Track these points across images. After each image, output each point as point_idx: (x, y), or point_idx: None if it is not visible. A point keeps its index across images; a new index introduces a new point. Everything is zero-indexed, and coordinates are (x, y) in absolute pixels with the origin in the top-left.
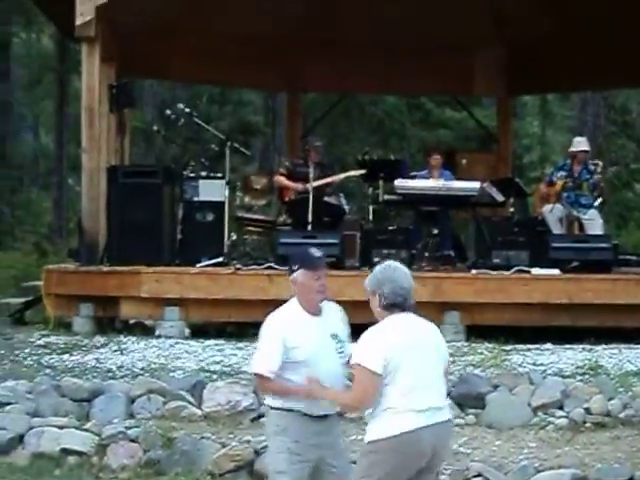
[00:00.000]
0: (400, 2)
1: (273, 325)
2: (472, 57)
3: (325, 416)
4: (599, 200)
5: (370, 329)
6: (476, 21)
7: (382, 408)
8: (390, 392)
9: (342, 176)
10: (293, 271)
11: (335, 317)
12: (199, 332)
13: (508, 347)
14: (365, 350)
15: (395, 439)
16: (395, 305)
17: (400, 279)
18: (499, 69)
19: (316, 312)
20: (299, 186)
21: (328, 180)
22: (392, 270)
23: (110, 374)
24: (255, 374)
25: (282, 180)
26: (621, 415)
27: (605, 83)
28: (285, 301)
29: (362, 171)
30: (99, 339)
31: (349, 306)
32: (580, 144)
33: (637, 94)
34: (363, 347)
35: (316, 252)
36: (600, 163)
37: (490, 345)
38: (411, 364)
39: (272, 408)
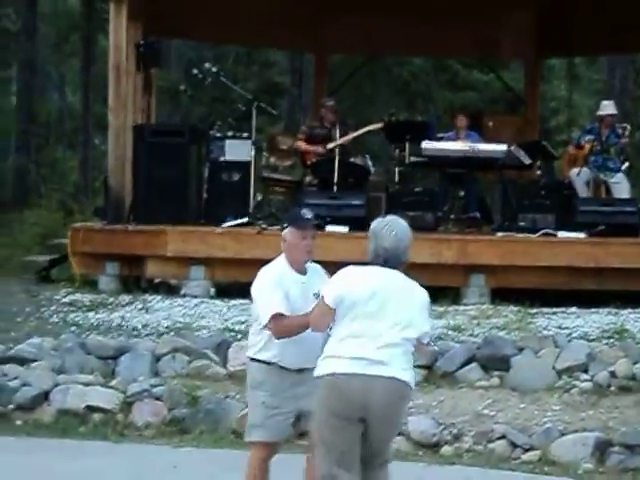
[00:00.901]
0: None
1: (268, 276)
2: (501, 19)
3: (302, 369)
4: (626, 164)
5: (347, 267)
6: None
7: (327, 348)
8: (335, 332)
9: (360, 132)
10: (284, 228)
11: (318, 278)
12: (224, 292)
13: (533, 310)
14: (330, 283)
15: (327, 378)
16: (375, 263)
17: (386, 239)
18: (527, 32)
19: (301, 270)
20: (319, 148)
21: (347, 138)
22: (382, 227)
23: (135, 332)
24: (270, 321)
25: (301, 145)
26: None
27: (634, 46)
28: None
29: (379, 125)
30: (124, 297)
31: None
32: (607, 107)
33: None
34: (331, 280)
35: (307, 213)
36: (628, 127)
37: (515, 308)
38: (365, 312)
39: (251, 360)
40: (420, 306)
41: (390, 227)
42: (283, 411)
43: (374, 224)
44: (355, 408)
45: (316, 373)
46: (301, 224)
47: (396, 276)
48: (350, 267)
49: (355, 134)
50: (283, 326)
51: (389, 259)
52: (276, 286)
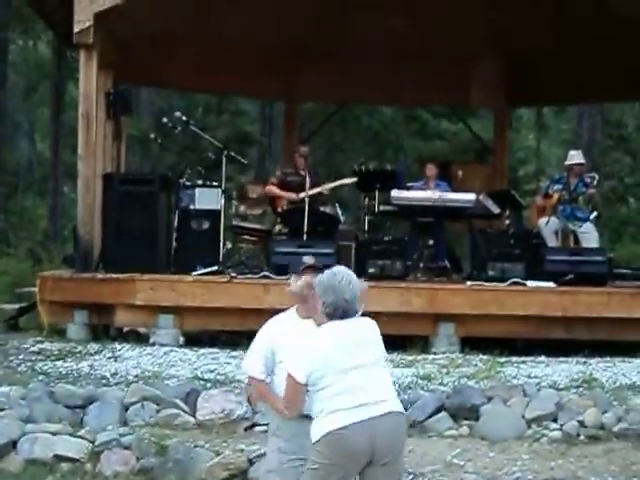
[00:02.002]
0: (398, 13)
1: (262, 331)
2: (469, 69)
3: None
4: (594, 213)
5: (305, 340)
6: (474, 33)
7: (316, 411)
8: (321, 397)
9: (335, 184)
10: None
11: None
12: (193, 340)
13: (502, 359)
14: (294, 360)
15: (326, 438)
16: (335, 316)
17: (343, 290)
18: (496, 81)
19: (306, 315)
20: (292, 195)
21: (321, 188)
22: (338, 280)
23: (104, 381)
24: (248, 380)
25: (274, 190)
26: (615, 428)
27: (601, 96)
28: (280, 310)
29: (354, 179)
30: (93, 346)
31: None
32: (575, 157)
33: (633, 108)
34: (294, 356)
35: (308, 259)
36: (596, 176)
37: (484, 357)
38: (341, 369)
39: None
40: (379, 335)
41: (347, 279)
42: (299, 457)
43: (327, 278)
44: (363, 456)
45: (313, 438)
46: (299, 269)
47: (352, 323)
48: (309, 338)
49: (329, 186)
50: (258, 392)
51: (349, 310)
52: (261, 346)
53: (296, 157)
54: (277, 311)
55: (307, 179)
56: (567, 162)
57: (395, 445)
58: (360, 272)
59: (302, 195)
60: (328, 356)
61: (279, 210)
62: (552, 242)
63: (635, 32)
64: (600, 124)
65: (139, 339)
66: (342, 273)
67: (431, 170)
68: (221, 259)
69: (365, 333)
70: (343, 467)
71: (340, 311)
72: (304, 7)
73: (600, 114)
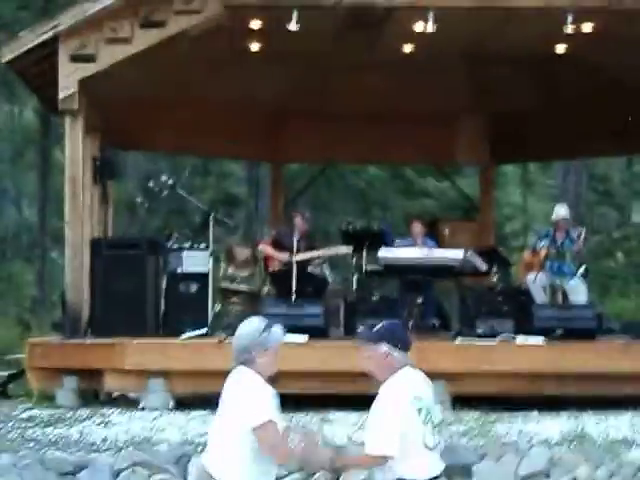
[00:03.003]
0: (383, 72)
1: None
2: (454, 126)
3: None
4: (582, 268)
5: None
6: (457, 90)
7: None
8: None
9: (329, 253)
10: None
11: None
12: (184, 404)
13: (494, 416)
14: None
15: None
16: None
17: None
18: (481, 138)
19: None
20: (285, 256)
21: (314, 254)
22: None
23: (94, 447)
24: None
25: (267, 249)
26: None
27: (586, 152)
28: None
29: (348, 249)
30: (83, 412)
31: (334, 376)
32: (561, 212)
33: (618, 162)
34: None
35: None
36: (583, 231)
37: (476, 414)
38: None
39: None
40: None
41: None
42: None
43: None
44: None
45: None
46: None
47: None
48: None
49: (324, 252)
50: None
51: (237, 355)
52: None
53: (297, 219)
54: None
55: (300, 242)
56: (553, 217)
57: None
58: (349, 331)
59: (297, 258)
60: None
61: (270, 270)
62: (540, 298)
63: (617, 87)
64: (585, 179)
65: (129, 404)
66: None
67: (417, 228)
68: (210, 321)
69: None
70: None
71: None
72: (287, 69)
73: (585, 169)
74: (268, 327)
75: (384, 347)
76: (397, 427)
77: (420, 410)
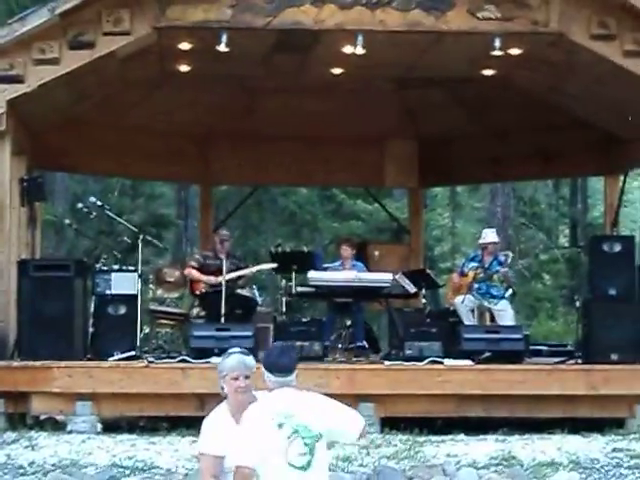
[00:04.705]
0: (312, 95)
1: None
2: (383, 149)
3: None
4: (509, 291)
5: None
6: (387, 113)
7: None
8: None
9: (254, 269)
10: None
11: None
12: (111, 427)
13: (422, 438)
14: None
15: None
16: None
17: None
18: (410, 161)
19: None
20: (211, 279)
21: (240, 273)
22: None
23: (21, 470)
24: None
25: (193, 273)
26: None
27: (513, 175)
28: (199, 395)
29: (273, 265)
30: (10, 435)
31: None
32: (488, 235)
33: (545, 186)
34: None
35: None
36: (510, 254)
37: (404, 437)
38: None
39: None
40: None
41: None
42: None
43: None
44: None
45: None
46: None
47: None
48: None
49: (249, 271)
50: None
51: None
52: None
53: (216, 241)
54: (196, 396)
55: (225, 263)
56: (481, 241)
57: None
58: None
59: (221, 279)
60: None
61: (197, 293)
62: (468, 320)
63: (543, 111)
64: (513, 201)
65: (56, 427)
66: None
67: (346, 251)
68: (138, 344)
69: None
70: None
71: None
72: (216, 91)
73: (513, 192)
74: (226, 355)
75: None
76: (252, 439)
77: (282, 425)
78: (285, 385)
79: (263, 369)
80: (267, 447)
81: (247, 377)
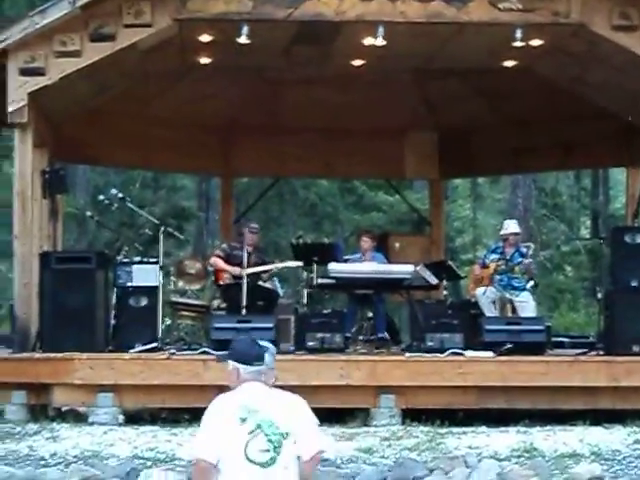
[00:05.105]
0: (333, 87)
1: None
2: (404, 140)
3: None
4: (531, 283)
5: None
6: (407, 105)
7: None
8: None
9: (279, 266)
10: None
11: None
12: (133, 418)
13: (443, 430)
14: None
15: None
16: None
17: None
18: (430, 152)
19: None
20: (236, 269)
21: (264, 268)
22: None
23: (43, 462)
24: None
25: (219, 262)
26: None
27: (534, 166)
28: (220, 387)
29: (299, 263)
30: (32, 426)
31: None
32: (510, 227)
33: (566, 177)
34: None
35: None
36: (532, 246)
37: (425, 428)
38: None
39: None
40: None
41: None
42: None
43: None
44: None
45: None
46: None
47: None
48: None
49: (274, 266)
50: None
51: None
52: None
53: (246, 232)
54: (217, 387)
55: (251, 255)
56: (502, 232)
57: None
58: (300, 345)
59: (249, 272)
60: None
61: (221, 283)
62: (490, 312)
63: (564, 102)
64: (534, 193)
65: (78, 418)
66: None
67: (367, 243)
68: (160, 336)
69: None
70: None
71: None
72: (238, 82)
73: (534, 183)
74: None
75: (230, 364)
76: (212, 432)
77: (245, 419)
78: (258, 378)
79: (235, 364)
80: (227, 441)
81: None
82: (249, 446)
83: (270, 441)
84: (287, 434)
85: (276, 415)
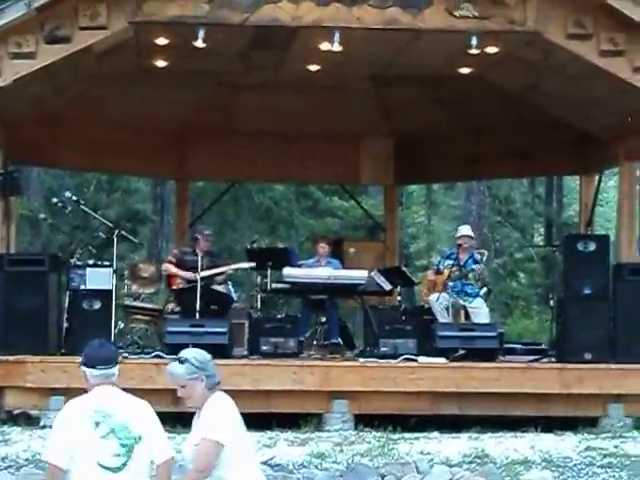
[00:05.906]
0: (289, 91)
1: None
2: (359, 146)
3: None
4: (484, 289)
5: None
6: (364, 110)
7: None
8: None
9: (231, 267)
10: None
11: None
12: None
13: (396, 436)
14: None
15: None
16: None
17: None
18: (386, 158)
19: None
20: (188, 274)
21: (217, 270)
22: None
23: None
24: None
25: (171, 268)
26: None
27: (488, 173)
28: (173, 391)
29: (252, 264)
30: None
31: (236, 395)
32: (463, 231)
33: (520, 184)
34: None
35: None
36: (485, 252)
37: (378, 434)
38: None
39: None
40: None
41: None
42: None
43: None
44: None
45: None
46: None
47: None
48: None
49: (227, 268)
50: None
51: None
52: None
53: (200, 239)
54: (170, 391)
55: (203, 259)
56: (456, 235)
57: None
58: (253, 350)
59: (201, 275)
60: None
61: (174, 288)
62: (443, 318)
63: (519, 109)
64: (488, 200)
65: (30, 422)
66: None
67: (323, 248)
68: (113, 339)
69: None
70: None
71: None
72: (194, 86)
73: (488, 190)
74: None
75: (81, 368)
76: (63, 437)
77: (98, 424)
78: (108, 381)
79: (83, 367)
80: (78, 446)
81: (183, 386)
82: (101, 451)
83: (123, 445)
84: (140, 438)
85: (130, 419)
